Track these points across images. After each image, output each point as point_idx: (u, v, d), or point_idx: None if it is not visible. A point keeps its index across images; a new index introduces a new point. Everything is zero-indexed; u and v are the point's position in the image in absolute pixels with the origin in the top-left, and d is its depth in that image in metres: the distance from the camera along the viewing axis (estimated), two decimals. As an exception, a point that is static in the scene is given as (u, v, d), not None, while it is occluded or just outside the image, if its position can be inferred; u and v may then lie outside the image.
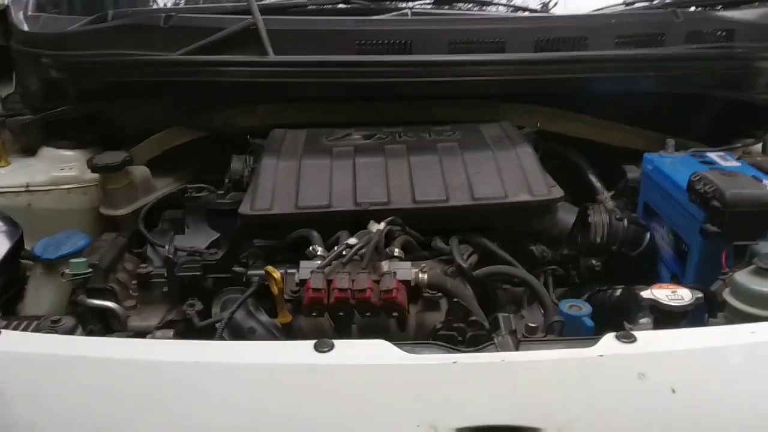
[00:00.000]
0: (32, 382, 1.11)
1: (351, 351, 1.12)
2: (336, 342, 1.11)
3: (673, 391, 1.05)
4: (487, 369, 1.08)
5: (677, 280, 1.65)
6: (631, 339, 1.11)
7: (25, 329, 1.27)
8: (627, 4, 2.09)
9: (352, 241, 1.38)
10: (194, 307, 1.54)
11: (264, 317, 1.51)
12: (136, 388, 1.09)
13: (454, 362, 1.07)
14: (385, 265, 1.36)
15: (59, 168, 1.93)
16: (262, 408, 1.06)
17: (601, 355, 1.08)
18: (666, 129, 1.99)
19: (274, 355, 1.14)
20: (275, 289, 1.37)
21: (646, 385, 1.05)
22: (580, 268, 1.72)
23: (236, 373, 1.10)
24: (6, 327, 1.26)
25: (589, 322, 1.38)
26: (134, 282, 1.67)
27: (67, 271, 1.45)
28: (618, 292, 1.58)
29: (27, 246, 1.66)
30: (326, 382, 1.08)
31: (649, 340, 1.13)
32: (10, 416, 1.08)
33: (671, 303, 1.29)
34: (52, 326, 1.27)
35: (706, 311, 1.37)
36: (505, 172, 1.58)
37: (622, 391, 1.06)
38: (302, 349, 1.11)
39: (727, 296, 1.32)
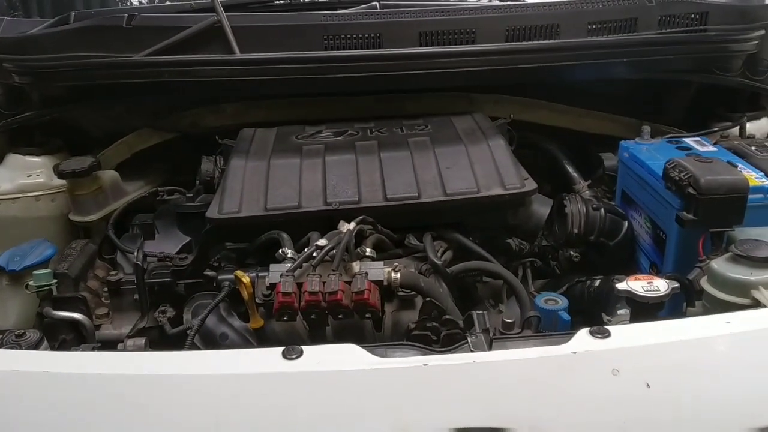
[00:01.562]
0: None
1: (320, 357, 1.09)
2: (305, 348, 1.08)
3: (648, 386, 1.03)
4: (458, 371, 1.06)
5: (656, 268, 1.63)
6: (605, 334, 1.09)
7: (-11, 344, 1.24)
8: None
9: (322, 242, 1.36)
10: (166, 314, 1.52)
11: (237, 322, 1.48)
12: (98, 404, 1.06)
13: (425, 365, 1.05)
14: (356, 266, 1.33)
15: (26, 175, 1.89)
16: (229, 420, 1.03)
17: (575, 352, 1.06)
18: (642, 115, 1.98)
19: (241, 363, 1.11)
20: (245, 294, 1.34)
21: (620, 380, 1.03)
22: (559, 259, 1.70)
23: (202, 384, 1.07)
24: (-30, 342, 1.23)
25: (566, 316, 1.36)
26: (105, 289, 1.64)
27: (31, 283, 1.42)
28: (597, 282, 1.57)
29: (-5, 255, 1.63)
30: (295, 390, 1.06)
31: (623, 334, 1.10)
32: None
33: (647, 294, 1.27)
34: (16, 341, 1.24)
35: (684, 300, 1.35)
36: (478, 166, 1.56)
37: (595, 388, 1.04)
38: (270, 357, 1.08)
39: (705, 284, 1.31)
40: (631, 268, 1.72)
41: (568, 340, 1.09)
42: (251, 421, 1.04)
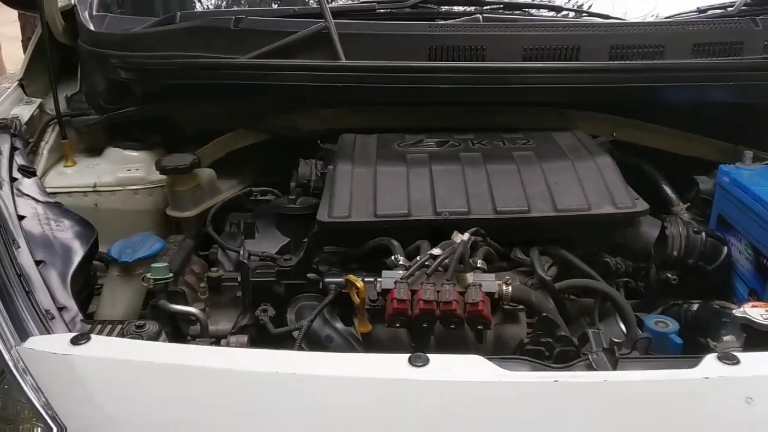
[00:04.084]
0: (123, 387, 1.11)
1: (447, 366, 1.10)
2: (430, 356, 1.09)
3: (783, 415, 1.02)
4: (588, 389, 1.06)
5: (757, 296, 1.61)
6: (734, 360, 1.08)
7: (109, 334, 1.27)
8: (701, 11, 2.04)
9: (437, 251, 1.36)
10: (267, 313, 1.53)
11: (339, 325, 1.50)
12: (229, 398, 1.08)
13: (555, 381, 1.05)
14: (470, 277, 1.34)
15: (125, 169, 1.94)
16: (359, 422, 1.05)
17: (707, 377, 1.05)
18: (740, 140, 1.94)
19: (367, 367, 1.12)
20: (356, 299, 1.36)
21: (754, 409, 1.02)
22: (649, 280, 1.69)
23: (332, 385, 1.08)
24: (90, 331, 1.26)
25: (678, 340, 1.35)
26: (202, 285, 1.67)
27: (148, 275, 1.45)
28: (695, 306, 1.55)
29: (98, 248, 1.67)
30: (422, 397, 1.07)
31: (754, 362, 1.09)
32: (102, 420, 1.08)
33: (766, 322, 1.25)
34: (137, 331, 1.27)
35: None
36: (587, 183, 1.55)
37: (729, 416, 1.03)
38: (396, 363, 1.09)
39: (819, 315, 1.28)
40: (726, 294, 1.70)
41: (697, 365, 1.08)
42: (380, 426, 1.05)
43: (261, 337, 1.52)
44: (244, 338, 1.48)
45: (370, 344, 1.42)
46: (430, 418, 1.05)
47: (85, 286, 1.58)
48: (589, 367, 1.13)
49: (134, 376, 1.13)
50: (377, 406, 1.07)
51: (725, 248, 1.69)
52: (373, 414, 1.06)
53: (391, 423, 1.05)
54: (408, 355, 1.09)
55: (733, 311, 1.30)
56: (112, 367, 1.13)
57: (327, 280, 1.48)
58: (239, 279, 1.57)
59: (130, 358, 1.14)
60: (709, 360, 1.09)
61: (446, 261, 1.35)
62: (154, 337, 1.27)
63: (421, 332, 1.36)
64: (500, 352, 1.39)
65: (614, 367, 1.12)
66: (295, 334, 1.41)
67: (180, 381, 1.11)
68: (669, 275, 1.64)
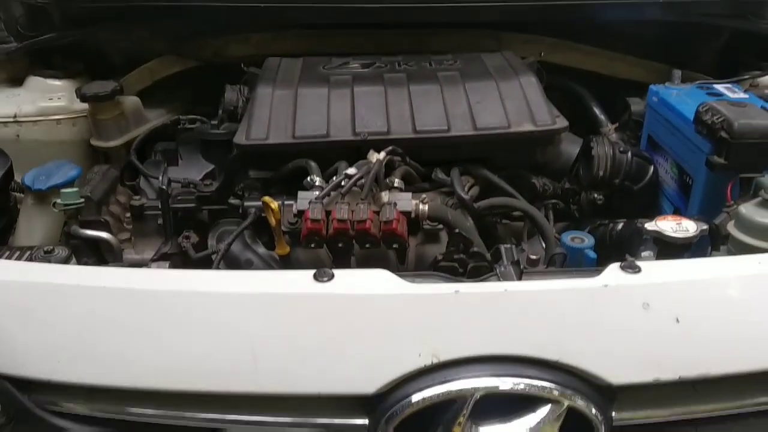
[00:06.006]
0: (27, 309, 1.10)
1: (351, 280, 1.09)
2: (336, 271, 1.09)
3: (678, 320, 1.04)
4: (489, 299, 1.06)
5: (680, 213, 1.63)
6: (636, 269, 1.09)
7: (18, 259, 1.25)
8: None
9: (351, 171, 1.35)
10: (189, 240, 1.52)
11: (261, 249, 1.49)
12: (133, 316, 1.07)
13: (456, 291, 1.05)
14: (385, 196, 1.33)
15: (47, 98, 1.87)
16: (261, 337, 1.05)
17: (606, 285, 1.07)
18: (671, 60, 1.94)
19: (273, 284, 1.12)
20: (273, 220, 1.34)
21: (650, 314, 1.04)
22: (581, 202, 1.70)
23: (235, 302, 1.07)
24: (-1, 257, 1.24)
25: (592, 254, 1.36)
26: (128, 214, 1.64)
27: (58, 201, 1.42)
28: (620, 225, 1.56)
29: (17, 178, 1.62)
30: (326, 312, 1.07)
31: (653, 270, 1.11)
32: (6, 343, 1.07)
33: (676, 234, 1.26)
34: (45, 256, 1.25)
35: (709, 244, 1.35)
36: (508, 102, 1.54)
37: (626, 321, 1.05)
38: (302, 279, 1.08)
39: (732, 229, 1.30)
40: (654, 214, 1.72)
41: (599, 275, 1.09)
42: (284, 339, 1.05)
43: (184, 264, 1.51)
44: (165, 265, 1.45)
45: (290, 266, 1.41)
46: (332, 331, 1.05)
47: (2, 216, 1.55)
48: (497, 280, 1.14)
49: (39, 298, 1.11)
50: (281, 321, 1.07)
51: (651, 167, 1.70)
52: (278, 328, 1.06)
53: (296, 336, 1.05)
54: (313, 271, 1.09)
55: (645, 225, 1.31)
56: (14, 289, 1.11)
57: (246, 204, 1.46)
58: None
59: (33, 280, 1.13)
60: (612, 269, 1.10)
61: (362, 181, 1.33)
62: (63, 262, 1.25)
63: (341, 253, 1.36)
64: (422, 270, 1.39)
65: (519, 279, 1.13)
66: (215, 258, 1.40)
67: (84, 301, 1.09)
68: (596, 195, 1.66)
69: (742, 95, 1.70)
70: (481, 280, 1.16)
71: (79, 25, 1.87)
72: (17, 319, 1.09)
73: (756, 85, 1.88)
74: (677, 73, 1.78)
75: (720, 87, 1.75)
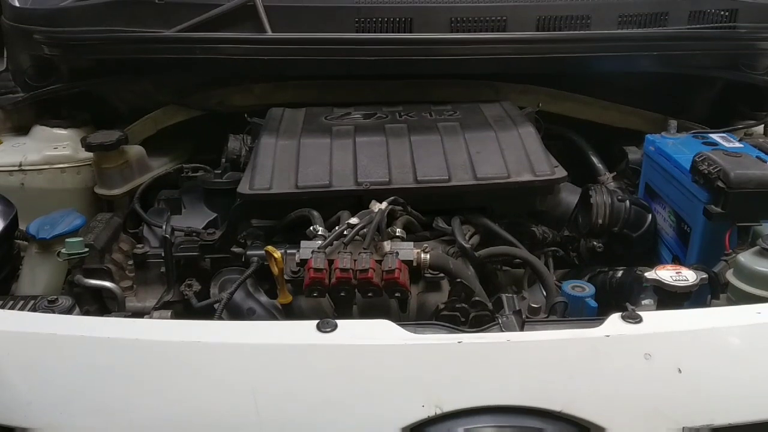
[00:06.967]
0: (30, 360, 1.09)
1: (354, 330, 1.10)
2: (339, 322, 1.09)
3: (680, 371, 1.04)
4: (492, 349, 1.07)
5: (679, 261, 1.64)
6: (637, 319, 1.10)
7: (21, 309, 1.25)
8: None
9: (354, 220, 1.36)
10: (192, 288, 1.53)
11: (263, 298, 1.49)
12: (136, 367, 1.07)
13: (459, 342, 1.06)
14: (387, 245, 1.34)
15: (52, 147, 1.90)
16: (264, 388, 1.05)
17: (608, 335, 1.07)
18: (667, 110, 1.98)
19: (276, 334, 1.12)
20: (275, 269, 1.35)
21: (652, 365, 1.04)
22: (580, 250, 1.71)
23: (238, 353, 1.08)
24: (2, 306, 1.24)
25: (593, 303, 1.37)
26: (130, 262, 1.65)
27: (63, 250, 1.43)
28: (619, 273, 1.58)
29: (21, 226, 1.64)
30: (329, 362, 1.07)
31: (655, 320, 1.11)
32: (9, 394, 1.06)
33: (675, 284, 1.27)
34: (49, 306, 1.25)
35: (708, 292, 1.36)
36: (508, 152, 1.56)
37: (628, 371, 1.05)
38: (305, 329, 1.09)
39: (731, 277, 1.31)
40: (652, 261, 1.73)
41: (600, 324, 1.10)
42: (285, 391, 1.05)
43: (186, 312, 1.51)
44: (167, 314, 1.46)
45: (292, 315, 1.42)
46: (335, 382, 1.05)
47: (5, 265, 1.56)
48: (499, 330, 1.15)
49: (42, 349, 1.11)
50: (284, 372, 1.07)
51: (649, 215, 1.72)
52: (281, 378, 1.06)
53: (298, 387, 1.05)
54: (316, 321, 1.09)
55: (645, 274, 1.32)
56: (18, 340, 1.11)
57: (249, 252, 1.47)
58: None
59: (37, 330, 1.13)
60: (613, 319, 1.11)
61: (364, 230, 1.35)
62: (67, 312, 1.25)
63: (343, 302, 1.37)
64: (424, 320, 1.39)
65: (521, 329, 1.14)
66: (218, 306, 1.40)
67: (88, 352, 1.09)
68: (595, 243, 1.67)
69: (737, 145, 1.73)
70: (484, 330, 1.16)
71: (85, 77, 1.90)
72: (20, 369, 1.09)
73: (750, 134, 1.91)
74: (673, 123, 1.81)
75: (715, 136, 1.79)
